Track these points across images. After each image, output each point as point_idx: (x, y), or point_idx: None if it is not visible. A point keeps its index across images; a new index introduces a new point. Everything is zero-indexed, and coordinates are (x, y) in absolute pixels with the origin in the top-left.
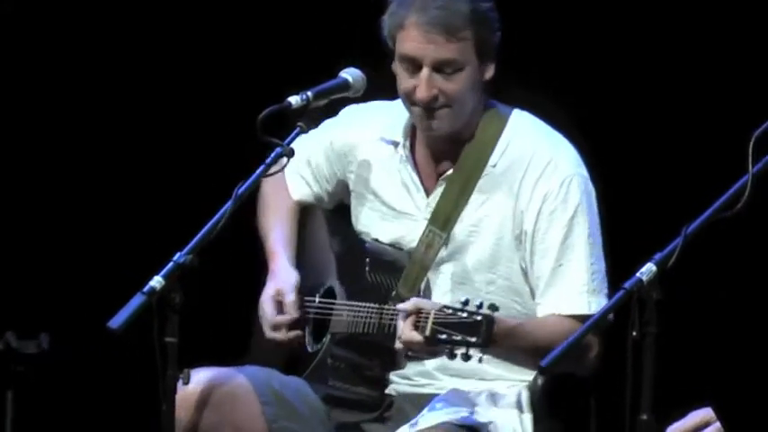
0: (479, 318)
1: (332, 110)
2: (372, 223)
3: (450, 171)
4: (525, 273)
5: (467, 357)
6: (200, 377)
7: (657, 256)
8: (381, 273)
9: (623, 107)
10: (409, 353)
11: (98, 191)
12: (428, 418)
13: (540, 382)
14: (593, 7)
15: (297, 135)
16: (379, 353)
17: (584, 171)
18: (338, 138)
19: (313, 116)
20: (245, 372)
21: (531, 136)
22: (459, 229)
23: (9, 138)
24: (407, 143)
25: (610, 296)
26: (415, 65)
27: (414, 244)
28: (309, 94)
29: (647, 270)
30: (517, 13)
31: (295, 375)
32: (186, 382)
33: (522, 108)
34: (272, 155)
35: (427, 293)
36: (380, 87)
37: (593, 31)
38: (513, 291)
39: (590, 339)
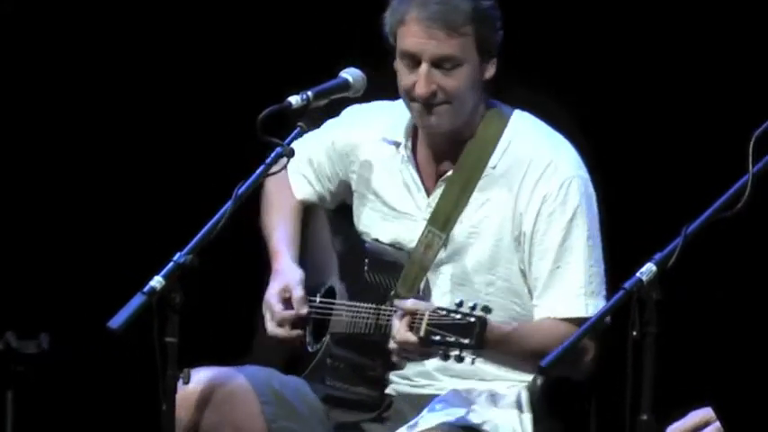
0: (472, 319)
1: (332, 110)
2: (373, 223)
3: (451, 172)
4: (524, 274)
5: (460, 359)
6: (201, 377)
7: (657, 256)
8: (380, 273)
9: (624, 107)
10: (402, 353)
11: (98, 191)
12: (428, 419)
13: (539, 382)
14: (595, 7)
15: (297, 135)
16: (379, 353)
17: (584, 173)
18: (340, 138)
19: (313, 116)
20: (244, 372)
21: (532, 137)
22: (459, 230)
23: (9, 138)
24: (409, 143)
25: (608, 298)
26: (414, 60)
27: (413, 244)
28: (309, 93)
29: (647, 270)
30: (519, 12)
31: (295, 375)
32: (186, 382)
33: (524, 108)
34: (273, 155)
35: (426, 294)
36: (381, 87)
37: (594, 32)
38: (513, 292)
39: (586, 343)
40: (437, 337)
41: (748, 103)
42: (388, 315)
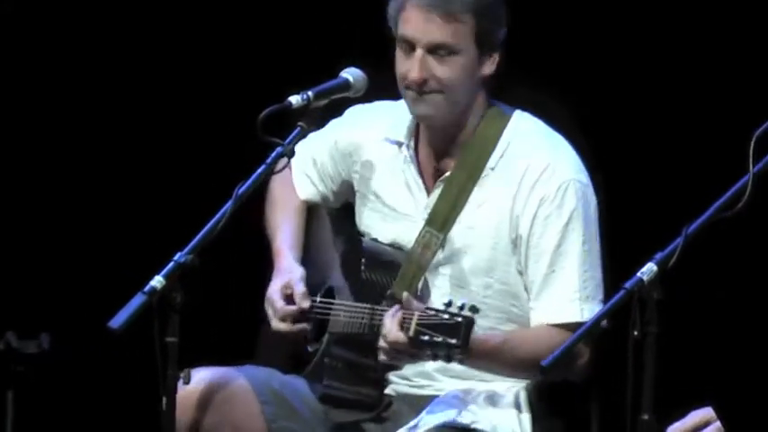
0: (459, 319)
1: (333, 110)
2: (374, 224)
3: (450, 172)
4: (522, 276)
5: (448, 360)
6: (201, 377)
7: (658, 255)
8: (377, 272)
9: (624, 107)
10: (392, 353)
11: (98, 191)
12: (427, 420)
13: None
14: (597, 7)
15: (297, 135)
16: (375, 353)
17: (583, 177)
18: (343, 137)
19: (314, 116)
20: (244, 372)
21: (531, 139)
22: (457, 231)
23: (9, 138)
24: (411, 143)
25: (607, 301)
26: (411, 46)
27: (411, 244)
28: (310, 93)
29: (648, 270)
30: (521, 11)
31: (296, 374)
32: (186, 382)
33: (525, 108)
34: (273, 155)
35: (425, 294)
36: (381, 87)
37: (595, 32)
38: (511, 295)
39: (580, 347)
40: (426, 337)
41: (748, 104)
42: (382, 315)
